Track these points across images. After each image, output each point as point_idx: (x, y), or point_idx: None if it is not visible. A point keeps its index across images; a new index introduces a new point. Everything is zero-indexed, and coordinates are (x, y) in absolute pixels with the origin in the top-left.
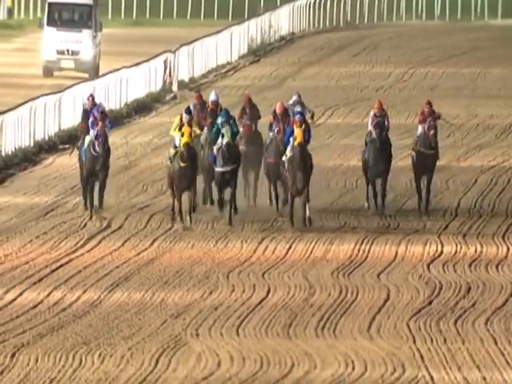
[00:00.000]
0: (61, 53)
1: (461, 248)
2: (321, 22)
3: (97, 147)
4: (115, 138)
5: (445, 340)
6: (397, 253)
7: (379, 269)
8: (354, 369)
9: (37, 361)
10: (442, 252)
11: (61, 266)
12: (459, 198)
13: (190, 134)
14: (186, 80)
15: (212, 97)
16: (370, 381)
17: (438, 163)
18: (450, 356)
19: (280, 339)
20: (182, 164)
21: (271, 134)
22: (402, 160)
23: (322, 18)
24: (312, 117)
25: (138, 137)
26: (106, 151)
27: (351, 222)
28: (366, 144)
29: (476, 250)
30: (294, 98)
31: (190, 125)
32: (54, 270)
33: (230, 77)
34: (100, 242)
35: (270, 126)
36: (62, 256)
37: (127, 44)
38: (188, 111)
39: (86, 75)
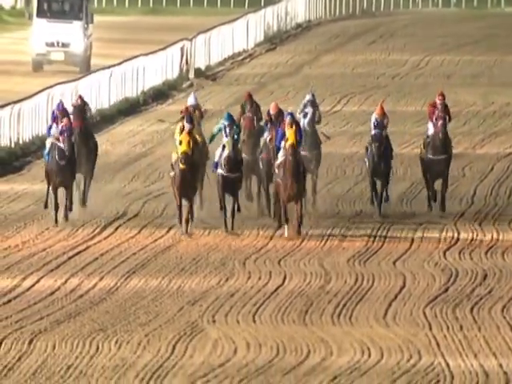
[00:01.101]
0: (50, 45)
1: (477, 235)
2: (337, 10)
3: (62, 143)
4: (131, 126)
5: (461, 327)
6: (413, 240)
7: (395, 256)
8: (370, 356)
9: (54, 347)
10: (458, 239)
11: (78, 253)
12: (475, 185)
13: (189, 143)
14: (203, 68)
15: (191, 100)
16: (386, 368)
17: (454, 151)
18: (466, 343)
19: (296, 326)
20: (181, 166)
21: (266, 133)
22: (419, 148)
23: (338, 5)
24: (319, 121)
25: (154, 125)
26: (72, 146)
27: (367, 209)
28: (366, 149)
29: (492, 237)
30: (308, 97)
31: (189, 134)
32: (71, 257)
33: (246, 64)
34: (117, 229)
35: (266, 124)
36: (79, 243)
37: (144, 32)
38: (189, 120)
39: (77, 69)
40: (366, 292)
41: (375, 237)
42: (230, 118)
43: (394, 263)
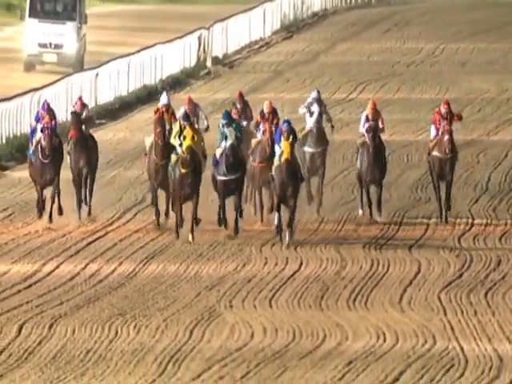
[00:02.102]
0: (43, 46)
1: (491, 221)
2: None
3: (43, 141)
4: (149, 114)
5: (475, 312)
6: (428, 226)
7: (410, 242)
8: (385, 340)
9: (74, 332)
10: (472, 225)
11: (97, 238)
12: (490, 172)
13: (193, 137)
14: (220, 56)
15: (163, 100)
16: (401, 352)
17: (468, 138)
18: (480, 328)
19: (312, 311)
20: (182, 170)
21: (258, 134)
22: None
23: None
24: (331, 125)
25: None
26: (54, 144)
27: (383, 195)
28: (357, 149)
29: (506, 224)
30: (313, 94)
31: (192, 128)
32: (90, 243)
33: (262, 53)
34: (135, 215)
35: (257, 125)
36: (99, 229)
37: (162, 21)
38: (186, 117)
39: (70, 70)
40: (382, 277)
41: (390, 223)
42: (227, 115)
43: (409, 249)
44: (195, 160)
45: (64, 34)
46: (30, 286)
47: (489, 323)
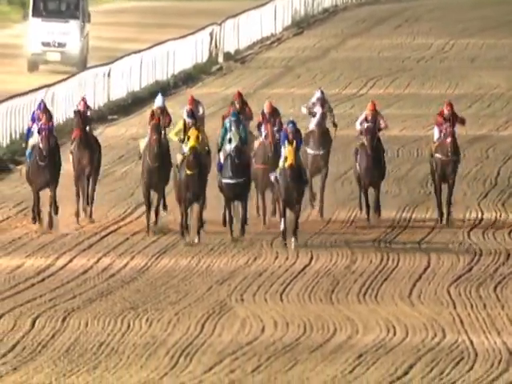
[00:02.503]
0: (46, 45)
1: (500, 215)
2: None
3: (40, 143)
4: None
5: (484, 306)
6: (437, 220)
7: (420, 236)
8: (395, 334)
9: (87, 325)
10: (481, 219)
11: (109, 233)
12: (499, 166)
13: (197, 138)
14: (232, 51)
15: (158, 102)
16: (411, 345)
17: (477, 133)
18: (489, 321)
19: (323, 305)
20: (188, 172)
21: (261, 135)
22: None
23: None
24: (334, 125)
25: (184, 107)
26: (51, 146)
27: (393, 190)
28: (355, 150)
29: None
30: (317, 94)
31: (197, 128)
32: (102, 238)
33: (274, 48)
34: None
35: (259, 125)
36: (111, 223)
37: (174, 17)
38: (191, 115)
39: (74, 69)
40: (392, 271)
41: (400, 217)
42: (236, 114)
43: (419, 243)
44: (200, 161)
45: (67, 32)
46: (43, 279)
47: (498, 317)
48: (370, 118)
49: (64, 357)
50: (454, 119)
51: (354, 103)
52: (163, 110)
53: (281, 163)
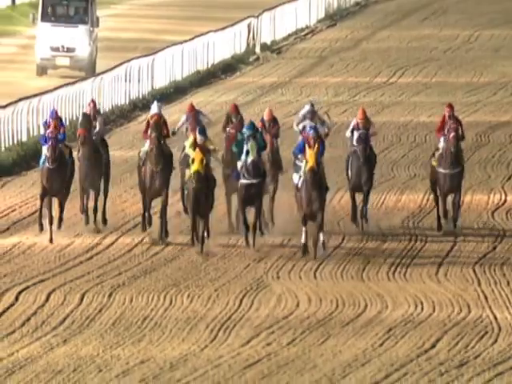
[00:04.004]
0: (55, 50)
1: None
2: None
3: (46, 151)
4: (202, 97)
5: (508, 283)
6: (463, 202)
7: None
8: (422, 309)
9: (131, 300)
10: (505, 201)
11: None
12: None
13: (201, 161)
14: (268, 42)
15: (154, 109)
16: (437, 320)
17: (501, 120)
18: None
19: (354, 282)
20: (194, 185)
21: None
22: (469, 116)
23: None
24: (327, 133)
25: (224, 95)
26: (58, 166)
27: (421, 173)
28: (347, 157)
29: None
30: (307, 107)
31: (201, 150)
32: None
33: (308, 40)
34: None
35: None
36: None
37: (214, 10)
38: (202, 131)
39: (82, 73)
40: (419, 251)
41: (428, 199)
42: (252, 127)
43: (446, 223)
44: (205, 181)
45: (76, 37)
46: (91, 257)
47: None
48: (361, 126)
49: (110, 330)
50: (457, 121)
51: (383, 91)
52: (159, 117)
53: (301, 172)
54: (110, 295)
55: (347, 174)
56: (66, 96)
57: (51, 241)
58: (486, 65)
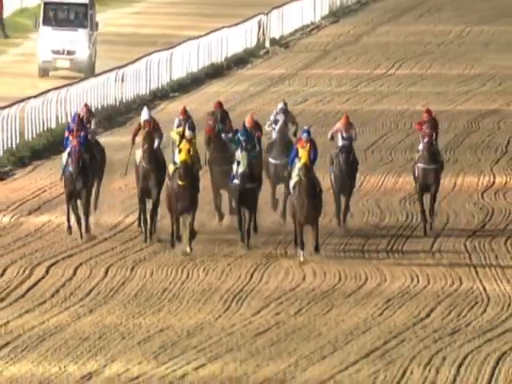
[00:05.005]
0: (56, 52)
1: (510, 179)
2: None
3: (70, 166)
4: (216, 88)
5: (496, 257)
6: (455, 183)
7: (441, 196)
8: (418, 282)
9: (152, 274)
10: (494, 182)
11: None
12: (509, 136)
13: (188, 151)
14: (277, 37)
15: (144, 116)
16: (432, 292)
17: (490, 108)
18: (500, 271)
19: (355, 257)
20: (180, 182)
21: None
22: (460, 105)
23: None
24: (295, 133)
25: (236, 86)
26: (81, 169)
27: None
28: (331, 160)
29: None
30: (280, 105)
31: (189, 142)
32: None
33: (313, 35)
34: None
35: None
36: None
37: (227, 8)
38: (191, 127)
39: (82, 75)
40: (416, 228)
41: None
42: (246, 133)
43: (440, 202)
44: (192, 173)
45: (76, 40)
46: (115, 234)
47: (508, 267)
48: (344, 133)
49: (132, 301)
50: (434, 124)
51: (383, 82)
52: (149, 122)
53: (294, 176)
54: (132, 269)
55: (331, 180)
56: (92, 86)
57: (81, 237)
58: (476, 58)
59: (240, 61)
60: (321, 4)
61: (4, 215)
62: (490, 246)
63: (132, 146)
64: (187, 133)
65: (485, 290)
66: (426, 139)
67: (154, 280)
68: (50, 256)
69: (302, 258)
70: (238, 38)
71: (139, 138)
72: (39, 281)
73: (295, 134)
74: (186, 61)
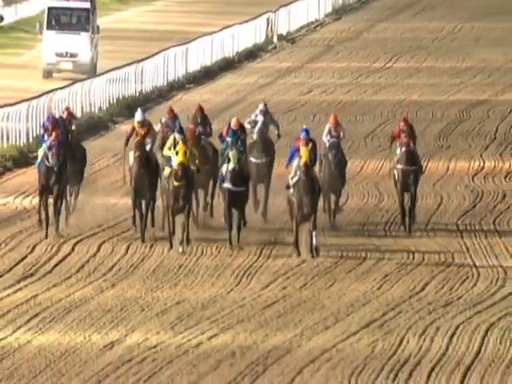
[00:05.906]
0: (60, 55)
1: (498, 164)
2: None
3: (50, 158)
4: (228, 80)
5: (486, 235)
6: (448, 167)
7: (434, 180)
8: (414, 258)
9: (169, 250)
10: (483, 167)
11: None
12: (497, 124)
13: (185, 153)
14: (284, 33)
15: (138, 116)
16: (426, 267)
17: (480, 98)
18: (489, 248)
19: (356, 235)
20: (175, 183)
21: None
22: (453, 95)
23: None
24: (278, 133)
25: (246, 78)
26: (62, 162)
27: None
28: (320, 160)
29: (510, 165)
30: (260, 107)
31: (185, 143)
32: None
33: (317, 31)
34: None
35: (221, 135)
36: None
37: (238, 6)
38: (180, 131)
39: (84, 76)
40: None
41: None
42: (234, 134)
43: (434, 185)
44: (188, 174)
45: (79, 43)
46: (126, 219)
47: (496, 244)
48: (333, 131)
49: (151, 276)
50: (410, 132)
51: (381, 74)
52: (143, 123)
53: (292, 174)
54: (151, 246)
55: (320, 178)
56: (114, 79)
57: (46, 236)
58: (467, 52)
59: (250, 55)
60: (324, 2)
61: (33, 197)
62: (479, 225)
63: (125, 148)
64: (177, 136)
65: (475, 265)
66: (403, 148)
67: (171, 256)
68: (75, 234)
69: (296, 255)
70: (248, 34)
71: (132, 139)
72: (65, 257)
73: (279, 136)
74: (200, 55)
